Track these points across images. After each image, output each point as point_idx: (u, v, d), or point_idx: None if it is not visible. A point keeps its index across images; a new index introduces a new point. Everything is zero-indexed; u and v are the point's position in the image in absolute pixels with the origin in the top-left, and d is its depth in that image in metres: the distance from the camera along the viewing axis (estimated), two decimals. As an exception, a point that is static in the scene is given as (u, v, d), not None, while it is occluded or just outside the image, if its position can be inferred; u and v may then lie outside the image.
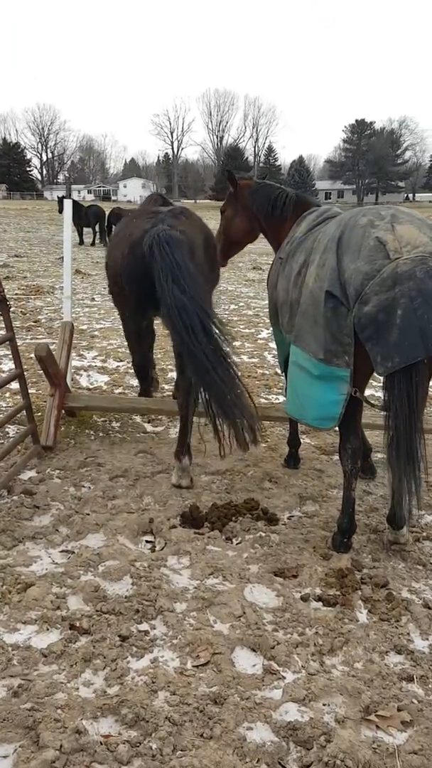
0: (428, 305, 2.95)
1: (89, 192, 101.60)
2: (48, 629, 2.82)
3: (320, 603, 3.14)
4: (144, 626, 2.88)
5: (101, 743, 2.23)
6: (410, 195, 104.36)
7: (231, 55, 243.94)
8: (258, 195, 4.40)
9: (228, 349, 3.75)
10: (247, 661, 2.72)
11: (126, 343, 5.19)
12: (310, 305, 3.38)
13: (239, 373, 3.80)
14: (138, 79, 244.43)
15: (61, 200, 24.35)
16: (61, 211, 24.54)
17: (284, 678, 2.63)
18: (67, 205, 5.12)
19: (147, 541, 3.63)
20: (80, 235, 24.50)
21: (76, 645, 2.73)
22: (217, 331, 3.69)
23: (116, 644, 2.73)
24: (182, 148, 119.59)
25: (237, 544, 3.63)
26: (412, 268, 2.97)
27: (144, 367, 5.07)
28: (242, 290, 13.63)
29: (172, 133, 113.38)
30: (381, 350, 3.04)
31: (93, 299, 11.58)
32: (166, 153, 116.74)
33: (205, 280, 4.14)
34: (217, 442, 3.74)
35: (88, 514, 3.79)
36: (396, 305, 2.97)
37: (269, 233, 4.45)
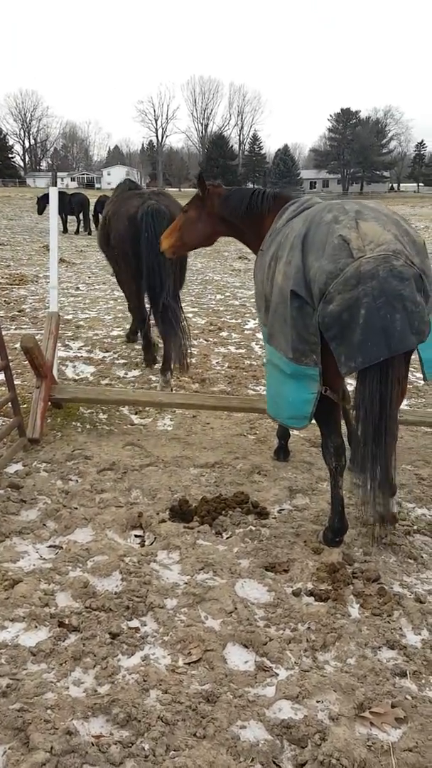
0: (391, 305, 2.92)
1: (72, 179, 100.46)
2: (36, 627, 2.77)
3: (312, 598, 3.11)
4: (134, 623, 2.84)
5: (92, 744, 2.19)
6: (395, 185, 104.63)
7: (215, 42, 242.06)
8: (230, 200, 4.23)
9: (179, 302, 6.09)
10: (239, 658, 2.69)
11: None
12: (280, 303, 3.34)
13: (184, 316, 6.10)
14: (122, 65, 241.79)
15: (40, 200, 23.85)
16: (41, 212, 24.10)
17: (277, 675, 2.60)
18: (53, 193, 5.01)
19: (136, 536, 3.59)
20: (64, 223, 24.23)
21: (65, 643, 2.68)
22: (172, 291, 5.85)
23: (106, 642, 2.68)
24: (167, 136, 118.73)
25: (227, 538, 3.59)
26: (375, 267, 2.94)
27: (142, 314, 6.59)
28: (228, 280, 13.55)
29: (156, 121, 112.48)
30: (345, 350, 3.01)
31: (78, 288, 11.45)
32: (151, 140, 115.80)
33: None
34: (162, 364, 6.04)
35: (76, 508, 3.74)
36: (359, 305, 2.93)
37: (249, 234, 4.29)
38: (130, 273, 6.20)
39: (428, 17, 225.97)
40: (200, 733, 2.26)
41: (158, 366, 6.43)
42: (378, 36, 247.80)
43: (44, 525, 3.57)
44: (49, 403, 4.91)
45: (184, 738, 2.24)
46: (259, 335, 8.43)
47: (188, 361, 5.94)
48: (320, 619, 2.93)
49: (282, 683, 2.53)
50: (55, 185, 5.12)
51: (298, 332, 3.21)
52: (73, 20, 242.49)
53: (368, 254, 2.97)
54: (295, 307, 3.19)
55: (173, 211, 5.76)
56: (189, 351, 5.94)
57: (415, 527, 3.81)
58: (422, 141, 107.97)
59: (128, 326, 8.07)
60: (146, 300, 6.19)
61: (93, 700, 2.38)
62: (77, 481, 4.11)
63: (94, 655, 2.61)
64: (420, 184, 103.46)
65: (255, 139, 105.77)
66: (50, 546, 3.40)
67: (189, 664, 2.62)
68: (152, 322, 6.36)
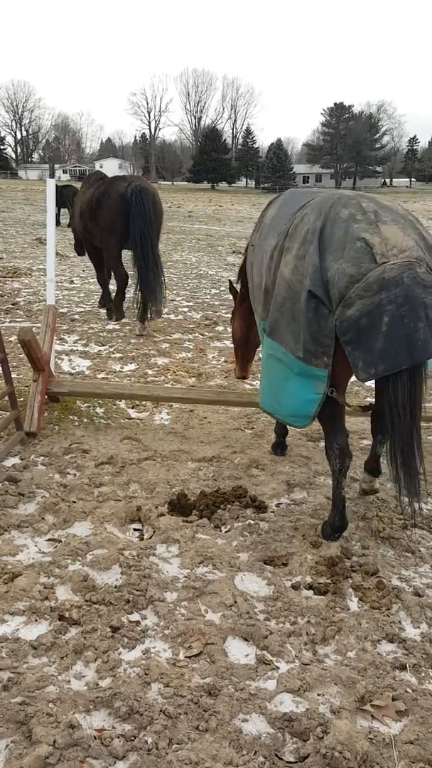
0: (415, 313, 2.89)
1: (65, 172, 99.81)
2: (37, 620, 2.76)
3: (311, 591, 3.12)
4: (135, 616, 2.83)
5: (95, 737, 2.19)
6: (387, 180, 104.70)
7: (209, 34, 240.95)
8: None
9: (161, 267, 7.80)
10: (239, 651, 2.70)
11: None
12: (288, 299, 3.28)
13: (164, 278, 7.91)
14: (115, 56, 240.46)
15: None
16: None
17: (278, 668, 2.61)
18: (50, 184, 4.97)
19: (135, 529, 3.59)
20: (57, 215, 24.07)
21: (66, 636, 2.67)
22: (157, 252, 7.62)
23: (107, 635, 2.68)
24: (160, 129, 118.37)
25: (226, 532, 3.59)
26: (399, 274, 2.91)
27: (123, 273, 8.09)
28: (223, 274, 13.53)
29: (149, 113, 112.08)
30: (362, 356, 2.98)
31: (72, 282, 11.40)
32: (144, 133, 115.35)
33: (161, 220, 7.92)
34: (141, 313, 7.69)
35: (75, 502, 3.73)
36: (382, 312, 2.90)
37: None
38: (116, 241, 7.76)
39: (423, 13, 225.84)
40: (203, 726, 2.27)
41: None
42: (372, 31, 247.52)
43: (43, 518, 3.55)
44: (46, 397, 4.89)
45: (186, 731, 2.24)
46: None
47: (161, 308, 7.88)
48: (320, 612, 2.93)
49: (283, 676, 2.54)
50: (53, 177, 5.05)
51: (312, 333, 3.15)
52: (67, 10, 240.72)
53: (392, 260, 2.94)
54: (311, 308, 3.12)
55: (153, 190, 7.82)
56: (165, 300, 7.97)
57: (413, 521, 3.83)
58: (415, 136, 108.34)
59: (123, 318, 8.50)
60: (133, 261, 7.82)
61: (95, 693, 2.38)
62: (75, 474, 4.10)
63: (95, 649, 2.60)
64: (412, 179, 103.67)
65: (248, 132, 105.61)
66: (49, 539, 3.39)
67: (190, 657, 2.62)
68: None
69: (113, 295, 8.73)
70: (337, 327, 3.04)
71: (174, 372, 6.35)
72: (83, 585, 2.98)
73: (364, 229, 3.05)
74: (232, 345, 4.94)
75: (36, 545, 3.33)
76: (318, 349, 3.15)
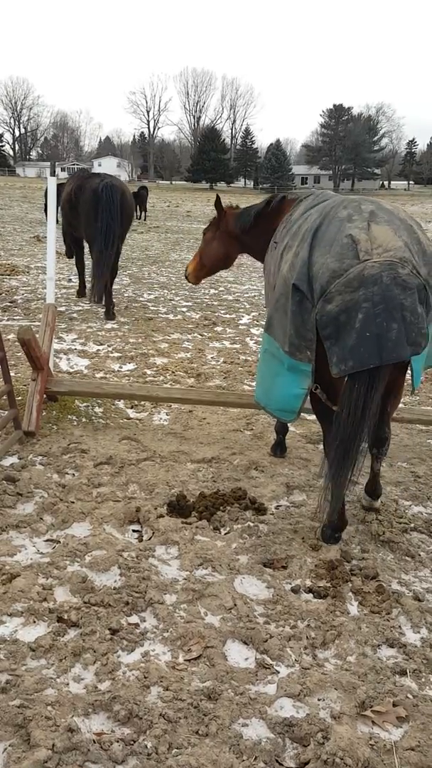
0: (389, 313, 2.88)
1: (63, 170, 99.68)
2: (35, 622, 2.74)
3: (311, 595, 3.11)
4: (134, 619, 2.81)
5: (94, 741, 2.17)
6: (386, 182, 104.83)
7: (209, 34, 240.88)
8: (242, 214, 4.44)
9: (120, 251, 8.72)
10: (239, 655, 2.68)
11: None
12: (282, 294, 3.30)
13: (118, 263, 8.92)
14: (115, 55, 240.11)
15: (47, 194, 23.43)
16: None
17: (278, 672, 2.59)
18: (51, 182, 4.94)
19: (134, 530, 3.56)
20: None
21: (64, 638, 2.65)
22: (119, 244, 8.55)
23: (106, 638, 2.66)
24: (158, 128, 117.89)
25: (225, 534, 3.57)
26: (379, 273, 2.89)
27: (97, 267, 8.48)
28: (222, 274, 13.47)
29: (148, 112, 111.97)
30: (338, 351, 2.98)
31: (70, 280, 11.36)
32: (142, 132, 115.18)
33: (128, 217, 8.66)
34: (108, 292, 8.53)
35: (73, 502, 3.70)
36: (358, 308, 2.89)
37: (255, 244, 4.35)
38: (91, 229, 8.47)
39: (423, 16, 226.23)
40: (202, 730, 2.25)
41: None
42: (372, 33, 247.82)
43: (41, 519, 3.53)
44: (45, 396, 4.86)
45: (186, 736, 2.22)
46: (254, 330, 8.43)
47: (100, 292, 8.59)
48: (320, 616, 2.92)
49: (283, 681, 2.53)
50: (54, 175, 5.02)
51: (295, 327, 3.18)
52: (67, 8, 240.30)
53: (374, 258, 2.93)
54: (295, 301, 3.15)
55: (123, 187, 8.69)
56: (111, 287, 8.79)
57: (412, 525, 3.82)
58: (413, 139, 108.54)
59: (123, 318, 8.52)
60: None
61: (94, 696, 2.36)
62: (74, 474, 4.07)
63: (94, 651, 2.58)
64: (411, 182, 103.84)
65: (247, 133, 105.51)
66: (47, 540, 3.36)
67: (189, 660, 2.61)
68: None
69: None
70: (317, 321, 3.05)
71: (173, 372, 6.33)
72: (82, 586, 2.96)
73: (354, 226, 3.05)
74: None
75: (34, 546, 3.30)
76: (301, 343, 3.17)
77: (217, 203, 4.60)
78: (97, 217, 8.25)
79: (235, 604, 2.94)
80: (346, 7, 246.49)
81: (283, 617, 2.91)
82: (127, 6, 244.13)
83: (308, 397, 3.40)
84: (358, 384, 3.00)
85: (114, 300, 8.86)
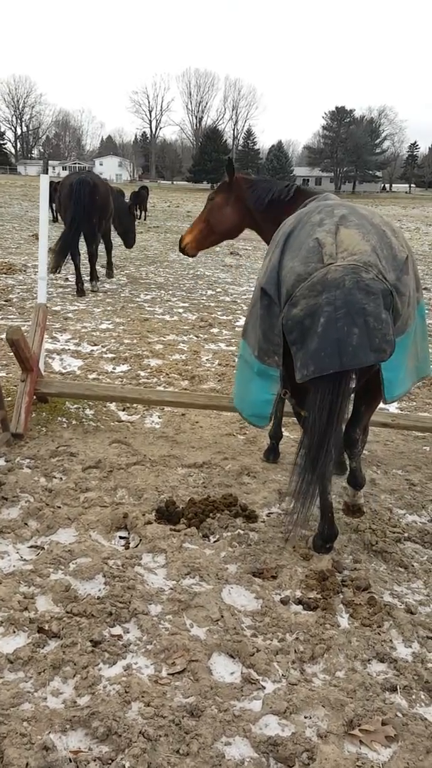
0: (350, 317, 2.81)
1: (64, 168, 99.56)
2: (15, 632, 2.66)
3: (300, 606, 3.02)
4: (117, 630, 2.73)
5: (70, 760, 2.09)
6: (387, 185, 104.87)
7: (212, 34, 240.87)
8: (257, 188, 4.31)
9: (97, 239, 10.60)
10: (225, 669, 2.60)
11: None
12: (256, 300, 3.26)
13: (96, 247, 10.61)
14: (117, 54, 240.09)
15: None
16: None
17: (264, 688, 2.51)
18: (44, 180, 4.86)
19: (120, 537, 3.48)
20: (53, 212, 23.87)
21: (44, 650, 2.57)
22: (92, 229, 10.15)
23: (87, 650, 2.57)
24: (160, 128, 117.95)
25: (215, 542, 3.49)
26: (341, 276, 2.83)
27: (65, 250, 9.89)
28: (219, 275, 13.43)
29: (150, 112, 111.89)
30: (302, 356, 2.93)
31: (67, 279, 11.28)
32: (144, 132, 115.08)
33: (102, 207, 10.19)
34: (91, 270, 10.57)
35: (59, 507, 3.62)
36: (320, 312, 2.84)
37: (264, 226, 4.28)
38: (68, 219, 9.98)
39: (426, 19, 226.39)
40: (183, 750, 2.17)
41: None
42: (374, 35, 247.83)
43: (26, 524, 3.45)
44: (35, 398, 4.78)
45: (166, 755, 2.14)
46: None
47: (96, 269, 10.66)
48: (309, 629, 2.84)
49: (269, 697, 2.44)
50: (46, 173, 4.94)
51: (263, 331, 3.14)
52: (70, 7, 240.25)
53: (338, 262, 2.86)
54: (264, 305, 3.12)
55: (97, 181, 10.17)
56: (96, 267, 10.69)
57: (406, 534, 3.74)
58: (415, 142, 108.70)
59: (118, 319, 8.52)
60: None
61: (72, 712, 2.27)
62: (61, 478, 3.99)
63: (75, 664, 2.50)
64: (412, 185, 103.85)
65: (249, 134, 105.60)
66: (31, 546, 3.28)
67: (173, 674, 2.52)
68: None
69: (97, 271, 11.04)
70: (283, 325, 3.00)
71: (167, 374, 6.25)
72: (65, 595, 2.87)
73: (322, 230, 2.99)
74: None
75: (18, 552, 3.22)
76: (269, 348, 3.13)
77: (229, 166, 4.46)
78: (68, 206, 9.96)
79: (222, 616, 2.86)
80: (349, 9, 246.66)
81: (271, 630, 2.83)
82: (131, 5, 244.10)
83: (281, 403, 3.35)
84: (322, 389, 2.95)
85: (84, 281, 10.39)
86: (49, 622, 2.70)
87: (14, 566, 3.08)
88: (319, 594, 3.10)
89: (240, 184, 4.41)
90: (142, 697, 2.37)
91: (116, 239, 12.28)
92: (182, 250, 4.80)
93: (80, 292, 10.12)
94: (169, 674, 2.52)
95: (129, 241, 12.71)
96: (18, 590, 2.88)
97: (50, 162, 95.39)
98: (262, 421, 3.42)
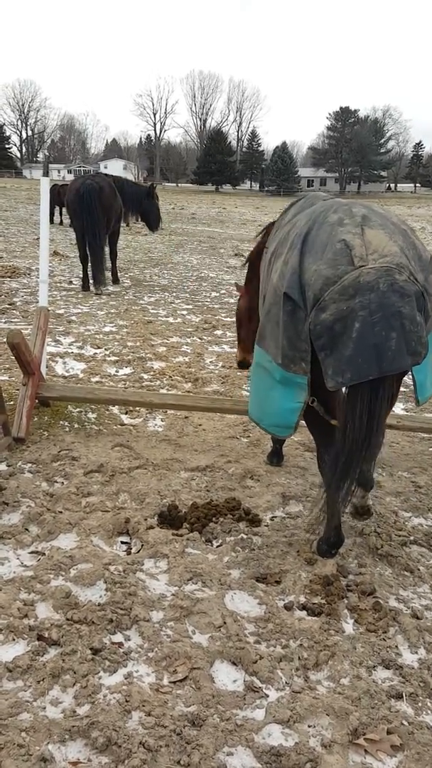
0: (387, 321, 2.71)
1: (69, 172, 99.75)
2: (14, 640, 2.62)
3: (304, 612, 2.98)
4: (118, 637, 2.69)
5: (69, 772, 2.05)
6: (392, 185, 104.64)
7: (216, 36, 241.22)
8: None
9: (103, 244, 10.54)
10: (227, 677, 2.56)
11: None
12: (273, 305, 3.15)
13: (102, 250, 10.45)
14: (121, 57, 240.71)
15: (53, 188, 23.33)
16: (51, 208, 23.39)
17: (267, 696, 2.47)
18: (44, 183, 4.83)
19: (122, 542, 3.44)
20: (55, 215, 23.89)
21: (44, 658, 2.53)
22: (99, 234, 10.28)
23: (87, 658, 2.54)
24: (165, 130, 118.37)
25: (217, 546, 3.45)
26: (375, 279, 2.74)
27: (86, 257, 10.42)
28: (224, 277, 13.40)
29: (154, 114, 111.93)
30: (333, 363, 2.82)
31: (71, 282, 11.26)
32: (149, 134, 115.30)
33: (106, 210, 10.43)
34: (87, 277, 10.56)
35: (61, 512, 3.58)
36: (354, 317, 2.74)
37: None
38: (76, 225, 10.50)
39: (430, 18, 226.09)
40: (184, 760, 2.12)
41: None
42: (378, 35, 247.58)
43: (26, 529, 3.41)
44: (36, 401, 4.75)
45: (167, 766, 2.10)
46: (254, 334, 8.30)
47: (104, 277, 10.58)
48: (313, 635, 2.79)
49: (272, 705, 2.40)
50: (47, 175, 4.90)
51: (288, 337, 3.02)
52: (73, 10, 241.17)
53: (370, 264, 2.77)
54: (287, 311, 3.00)
55: (102, 185, 10.42)
56: (105, 274, 10.72)
57: (412, 537, 3.69)
58: (420, 142, 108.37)
59: (121, 321, 8.52)
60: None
61: (71, 722, 2.24)
62: (63, 483, 3.95)
63: (74, 672, 2.46)
64: (417, 184, 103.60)
65: (253, 135, 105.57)
66: (32, 552, 3.25)
67: (174, 683, 2.48)
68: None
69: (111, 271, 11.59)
70: (311, 331, 2.89)
71: (170, 377, 6.21)
72: (65, 602, 2.84)
73: (347, 231, 2.90)
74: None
75: (18, 558, 3.19)
76: (295, 355, 3.01)
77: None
78: (74, 212, 10.36)
79: (225, 622, 2.82)
80: (353, 9, 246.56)
81: (275, 636, 2.78)
82: (134, 8, 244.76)
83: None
84: (362, 396, 2.85)
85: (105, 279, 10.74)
86: (49, 630, 2.67)
87: (14, 572, 3.05)
88: (323, 599, 3.05)
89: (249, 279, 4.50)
90: (143, 706, 2.33)
91: (121, 242, 12.27)
92: (240, 364, 4.98)
93: (85, 287, 10.44)
94: (170, 682, 2.48)
95: (153, 224, 12.70)
96: (18, 597, 2.85)
97: (55, 165, 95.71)
98: (286, 431, 3.28)
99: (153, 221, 12.56)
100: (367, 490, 3.61)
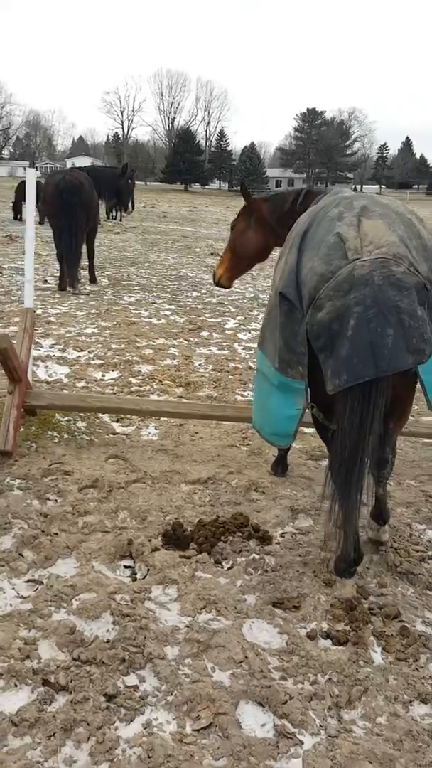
0: (383, 317, 2.51)
1: (36, 169, 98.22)
2: (17, 686, 2.33)
3: (329, 641, 2.75)
4: (132, 679, 2.42)
5: None
6: (358, 186, 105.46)
7: (184, 35, 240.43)
8: (273, 202, 4.26)
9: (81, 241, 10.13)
10: (255, 720, 2.32)
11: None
12: (273, 307, 2.97)
13: (81, 249, 10.13)
14: (88, 54, 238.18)
15: (18, 189, 22.35)
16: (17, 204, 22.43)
17: (302, 743, 2.23)
18: (30, 175, 4.51)
19: (126, 566, 3.17)
20: (21, 212, 23.13)
21: (52, 708, 2.25)
22: (78, 232, 9.89)
23: (101, 706, 2.26)
24: (133, 128, 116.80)
25: (228, 569, 3.20)
26: (369, 272, 2.54)
27: (62, 256, 10.08)
28: (203, 277, 13.11)
29: (122, 112, 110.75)
30: (332, 364, 2.63)
31: (46, 281, 10.87)
32: (116, 132, 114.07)
33: (86, 207, 10.01)
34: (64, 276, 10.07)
35: (57, 534, 3.29)
36: (349, 314, 2.55)
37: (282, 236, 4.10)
38: (54, 222, 10.20)
39: (395, 22, 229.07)
40: None
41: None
42: (345, 38, 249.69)
43: (21, 555, 3.11)
44: (22, 411, 4.43)
45: None
46: (241, 336, 8.07)
47: (76, 276, 10.06)
48: (341, 668, 2.56)
49: (309, 754, 2.16)
50: (33, 166, 4.58)
51: (285, 340, 2.84)
52: (41, 6, 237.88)
53: (365, 256, 2.57)
54: (284, 311, 2.82)
55: (81, 180, 10.02)
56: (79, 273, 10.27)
57: (430, 552, 3.49)
58: (385, 143, 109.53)
59: (103, 322, 8.16)
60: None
61: (90, 785, 1.97)
62: (56, 501, 3.65)
63: (88, 724, 2.19)
64: (382, 186, 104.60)
65: (222, 135, 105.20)
66: (29, 580, 2.95)
67: (198, 730, 2.23)
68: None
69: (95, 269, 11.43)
70: (308, 332, 2.70)
71: (160, 381, 5.93)
72: (70, 639, 2.56)
73: (343, 224, 2.70)
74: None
75: (14, 588, 2.89)
76: (292, 358, 2.83)
77: (244, 191, 4.41)
78: (53, 209, 9.99)
79: (246, 656, 2.57)
80: (320, 11, 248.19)
81: (301, 671, 2.55)
82: (102, 6, 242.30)
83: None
84: (353, 400, 2.65)
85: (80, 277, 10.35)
86: (55, 673, 2.38)
87: (11, 605, 2.75)
88: (347, 625, 2.83)
89: (258, 205, 4.34)
90: (168, 762, 2.07)
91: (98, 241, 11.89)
92: (217, 283, 4.69)
93: (62, 286, 10.06)
94: (194, 730, 2.23)
95: (127, 204, 12.30)
96: (17, 635, 2.56)
97: (20, 162, 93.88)
98: (284, 440, 3.12)
99: (126, 201, 12.19)
100: (381, 523, 3.40)
